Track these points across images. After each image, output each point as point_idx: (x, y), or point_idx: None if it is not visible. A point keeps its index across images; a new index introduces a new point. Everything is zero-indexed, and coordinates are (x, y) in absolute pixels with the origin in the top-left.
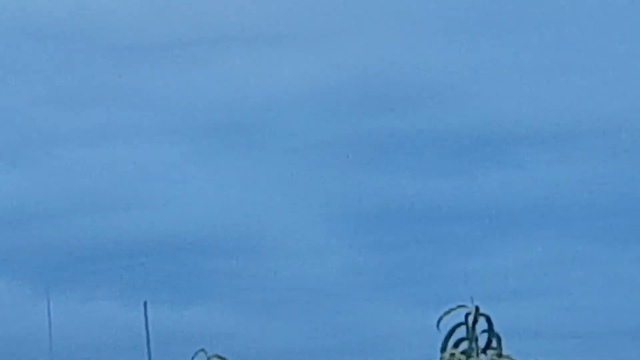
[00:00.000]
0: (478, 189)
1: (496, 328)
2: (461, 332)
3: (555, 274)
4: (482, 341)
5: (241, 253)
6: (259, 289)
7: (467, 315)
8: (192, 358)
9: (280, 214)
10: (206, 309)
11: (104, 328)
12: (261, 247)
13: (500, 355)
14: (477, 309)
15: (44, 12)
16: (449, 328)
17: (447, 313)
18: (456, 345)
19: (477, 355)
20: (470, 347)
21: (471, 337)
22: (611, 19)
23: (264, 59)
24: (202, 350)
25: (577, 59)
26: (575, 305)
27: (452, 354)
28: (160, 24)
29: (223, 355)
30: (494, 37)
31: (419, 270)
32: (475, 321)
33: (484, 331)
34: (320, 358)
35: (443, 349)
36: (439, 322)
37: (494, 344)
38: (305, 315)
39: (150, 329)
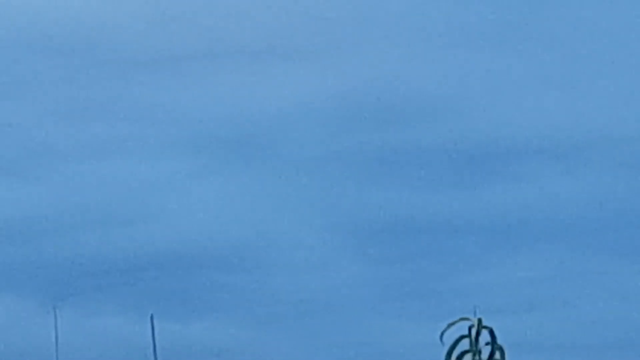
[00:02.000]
0: (483, 202)
1: (499, 341)
2: (464, 344)
3: (559, 287)
4: (485, 354)
5: (246, 267)
6: (265, 302)
7: (470, 327)
8: None
9: (285, 228)
10: (211, 322)
11: (110, 342)
12: (266, 261)
13: None
14: (479, 321)
15: (48, 26)
16: (452, 341)
17: (450, 326)
18: (459, 358)
19: None
20: None
21: (474, 349)
22: (614, 32)
23: (267, 73)
24: None
25: (581, 71)
26: (578, 318)
27: None
28: (165, 37)
29: None
30: (496, 50)
31: (422, 283)
32: (478, 334)
33: (487, 344)
34: None
35: None
36: (442, 334)
37: (497, 356)
38: (310, 329)
39: (156, 342)
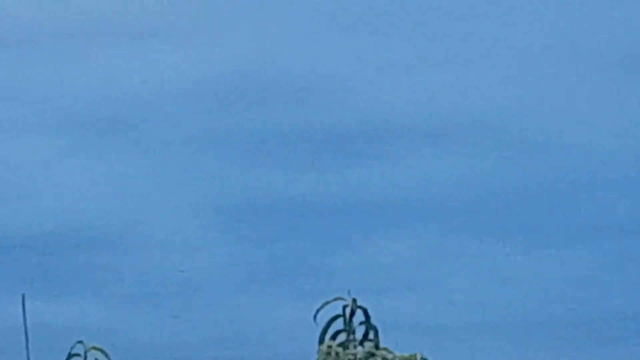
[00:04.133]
0: (354, 183)
1: (373, 321)
2: (338, 324)
3: (432, 268)
4: (359, 334)
5: (117, 247)
6: (133, 282)
7: (344, 307)
8: (70, 350)
9: (156, 208)
10: (82, 302)
11: None
12: (137, 241)
13: (377, 347)
14: (354, 301)
15: None
16: (326, 320)
17: (324, 305)
18: (334, 337)
19: (355, 347)
20: (347, 340)
21: (349, 329)
22: (487, 13)
23: (143, 53)
24: (80, 342)
25: (451, 54)
26: (451, 299)
27: (330, 347)
28: (40, 15)
29: (100, 347)
30: (370, 32)
31: (293, 264)
32: (352, 313)
33: (361, 323)
34: (196, 352)
35: (320, 342)
36: (316, 314)
37: (371, 336)
38: (181, 309)
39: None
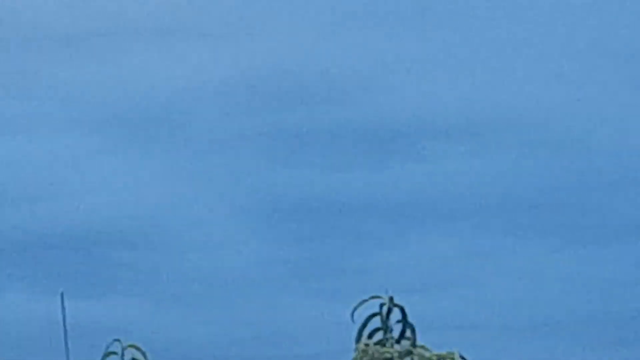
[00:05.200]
0: (391, 182)
1: (410, 319)
2: (375, 322)
3: (468, 267)
4: (396, 332)
5: (153, 246)
6: (173, 281)
7: (381, 305)
8: (107, 348)
9: (192, 207)
10: (120, 301)
11: (17, 319)
12: (174, 240)
13: (414, 345)
14: (391, 299)
15: None
16: (363, 319)
17: (361, 304)
18: (370, 336)
19: (392, 345)
20: (384, 338)
21: (385, 327)
22: (525, 15)
23: (176, 52)
24: (117, 340)
25: (489, 52)
26: (487, 297)
27: (367, 345)
28: (73, 14)
29: (137, 344)
30: (406, 32)
31: (332, 263)
32: (389, 312)
33: (398, 322)
34: (234, 350)
35: (358, 340)
36: (353, 313)
37: (408, 334)
38: (218, 308)
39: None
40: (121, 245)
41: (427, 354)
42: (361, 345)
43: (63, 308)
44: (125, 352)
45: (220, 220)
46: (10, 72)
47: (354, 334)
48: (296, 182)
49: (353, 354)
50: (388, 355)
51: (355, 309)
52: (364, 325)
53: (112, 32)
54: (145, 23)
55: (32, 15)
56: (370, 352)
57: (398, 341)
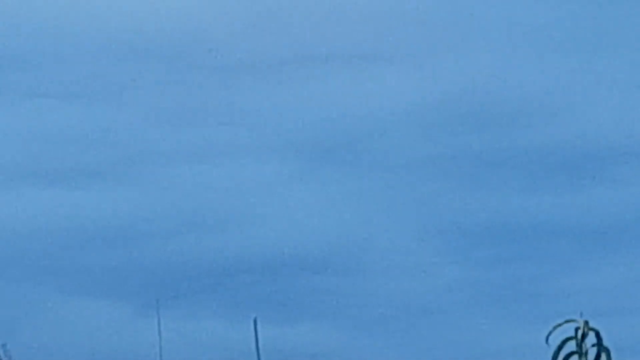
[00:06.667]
0: (582, 204)
1: (605, 343)
2: (570, 346)
3: None
4: (591, 355)
5: (346, 270)
6: (365, 306)
7: (576, 329)
8: None
9: (383, 231)
10: (312, 326)
11: (212, 345)
12: (366, 265)
13: None
14: (586, 323)
15: (147, 31)
16: (558, 343)
17: (556, 327)
18: (566, 359)
19: None
20: None
21: (580, 351)
22: None
23: (365, 77)
24: None
25: None
26: None
27: None
28: (264, 41)
29: None
30: (593, 52)
31: (524, 286)
32: (584, 335)
33: (593, 345)
34: None
35: None
36: (548, 336)
37: (604, 358)
38: (411, 332)
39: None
40: (312, 270)
41: None
42: None
43: (256, 334)
44: None
45: (409, 244)
46: (202, 100)
47: (549, 358)
48: (485, 206)
49: None
50: None
51: (550, 332)
52: (559, 348)
53: (297, 59)
54: (336, 49)
55: (223, 43)
56: None
57: None
